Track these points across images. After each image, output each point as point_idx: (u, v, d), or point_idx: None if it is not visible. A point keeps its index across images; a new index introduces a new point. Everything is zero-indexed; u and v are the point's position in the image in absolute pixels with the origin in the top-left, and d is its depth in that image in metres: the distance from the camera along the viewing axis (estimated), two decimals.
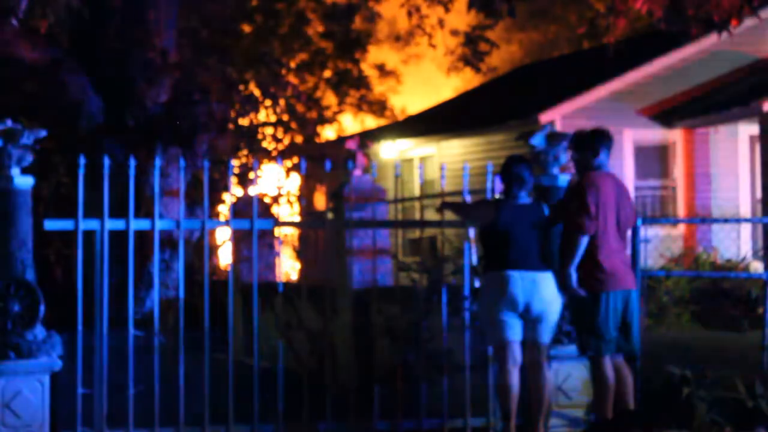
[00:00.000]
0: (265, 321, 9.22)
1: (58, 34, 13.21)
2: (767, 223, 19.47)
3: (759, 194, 20.17)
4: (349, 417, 9.10)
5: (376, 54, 22.60)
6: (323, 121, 20.69)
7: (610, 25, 13.08)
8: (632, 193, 9.48)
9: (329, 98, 21.34)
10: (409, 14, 16.56)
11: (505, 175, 9.25)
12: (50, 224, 8.86)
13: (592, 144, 9.30)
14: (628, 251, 9.44)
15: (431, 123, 25.63)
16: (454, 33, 19.98)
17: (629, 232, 9.48)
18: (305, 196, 15.87)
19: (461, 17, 18.73)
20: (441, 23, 19.45)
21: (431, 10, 16.48)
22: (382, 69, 23.46)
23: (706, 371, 10.10)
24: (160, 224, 9.11)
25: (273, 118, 15.70)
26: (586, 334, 9.17)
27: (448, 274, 10.14)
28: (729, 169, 20.98)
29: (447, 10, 16.53)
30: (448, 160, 20.73)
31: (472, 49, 19.65)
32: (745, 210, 20.58)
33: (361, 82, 22.03)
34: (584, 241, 9.04)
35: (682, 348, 12.07)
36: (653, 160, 20.55)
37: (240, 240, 11.44)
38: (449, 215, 9.90)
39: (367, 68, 22.34)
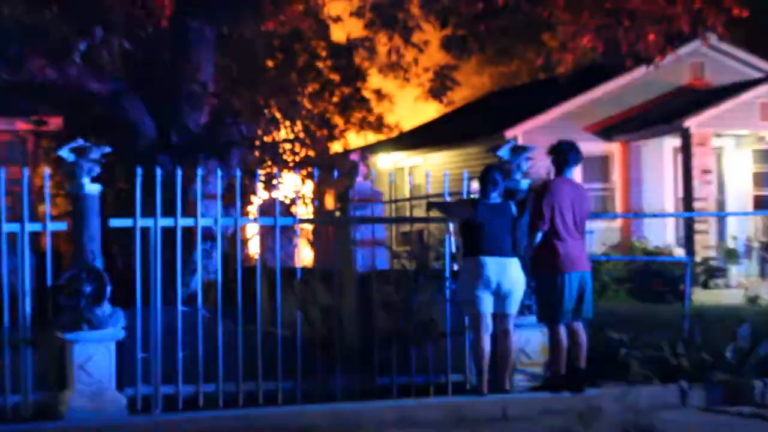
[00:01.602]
0: (286, 298, 9.19)
1: (118, 69, 13.19)
2: (687, 217, 19.50)
3: (680, 194, 20.21)
4: (354, 374, 9.09)
5: (376, 80, 22.55)
6: (332, 138, 20.63)
7: (561, 59, 13.09)
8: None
9: (336, 119, 21.27)
10: (389, 53, 16.53)
11: (482, 179, 9.30)
12: (114, 222, 8.84)
13: (565, 156, 9.38)
14: (585, 241, 9.47)
15: (418, 139, 25.62)
16: (426, 70, 19.96)
17: (586, 225, 9.52)
18: (318, 199, 15.78)
19: (434, 55, 18.73)
20: (416, 61, 19.44)
21: (407, 51, 16.49)
22: (379, 93, 23.39)
23: (638, 336, 10.16)
24: (201, 222, 9.09)
25: (291, 136, 15.69)
26: (545, 306, 9.22)
27: (432, 260, 10.15)
28: (657, 174, 21.00)
29: (420, 51, 16.50)
30: (432, 169, 20.68)
31: (439, 84, 19.66)
32: (670, 207, 20.61)
33: (363, 106, 21.99)
34: (539, 235, 9.14)
35: (620, 317, 12.08)
36: (596, 167, 20.57)
37: (266, 234, 11.46)
38: (434, 213, 9.90)
39: (367, 93, 22.30)
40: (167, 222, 8.82)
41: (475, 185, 9.56)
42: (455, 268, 9.57)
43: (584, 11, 11.73)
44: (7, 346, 8.30)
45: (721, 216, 19.95)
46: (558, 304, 9.10)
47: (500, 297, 9.02)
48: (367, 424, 8.38)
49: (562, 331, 9.13)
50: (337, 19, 18.67)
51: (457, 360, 9.36)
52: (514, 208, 9.25)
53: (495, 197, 9.19)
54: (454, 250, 9.65)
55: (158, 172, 8.77)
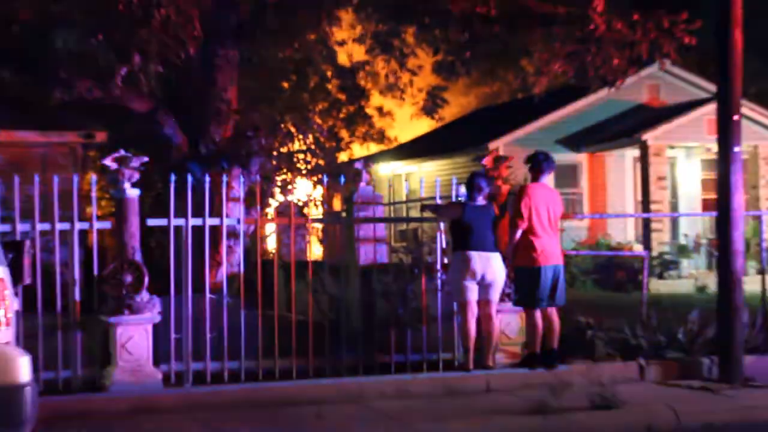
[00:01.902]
0: (300, 288, 9.19)
1: (154, 90, 13.20)
2: (644, 218, 19.51)
3: (639, 198, 20.21)
4: (358, 353, 9.08)
5: (377, 99, 22.53)
6: (339, 149, 20.59)
7: (537, 81, 13.08)
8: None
9: (343, 133, 21.26)
10: (386, 77, 16.55)
11: (468, 185, 9.30)
12: (151, 222, 8.84)
13: (540, 164, 9.39)
14: (558, 239, 9.48)
15: (413, 149, 25.58)
16: (420, 90, 19.97)
17: (558, 224, 9.52)
18: (326, 201, 15.79)
19: (427, 78, 18.75)
20: (411, 83, 19.46)
21: (403, 74, 16.52)
22: (380, 110, 23.37)
23: (602, 320, 10.14)
24: (226, 221, 9.08)
25: (304, 147, 15.67)
26: (523, 294, 9.22)
27: (426, 254, 10.15)
28: (619, 180, 20.99)
29: (415, 74, 16.52)
30: (425, 176, 20.67)
31: (431, 103, 19.69)
32: (630, 209, 20.61)
33: (366, 121, 21.97)
34: (519, 233, 9.14)
35: (587, 304, 12.06)
36: (567, 174, 20.54)
37: (282, 232, 11.46)
38: (427, 214, 9.87)
39: (370, 110, 22.28)
40: (197, 221, 8.80)
41: (463, 190, 9.56)
42: (445, 261, 9.57)
43: (556, 41, 11.75)
44: (59, 329, 8.30)
45: (674, 216, 19.95)
46: (534, 292, 9.10)
47: (484, 286, 9.02)
48: (369, 395, 8.39)
49: (538, 315, 9.14)
50: (342, 43, 18.68)
51: (447, 340, 9.33)
52: (496, 210, 9.26)
53: (480, 200, 9.20)
54: (444, 245, 9.65)
55: (189, 178, 8.74)
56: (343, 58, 19.74)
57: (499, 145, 20.05)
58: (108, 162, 8.53)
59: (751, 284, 10.13)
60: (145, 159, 8.57)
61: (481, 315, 9.04)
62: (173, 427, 7.41)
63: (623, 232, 20.25)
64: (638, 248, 19.21)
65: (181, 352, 8.57)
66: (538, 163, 9.37)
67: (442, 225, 9.69)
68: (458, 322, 9.22)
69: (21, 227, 8.26)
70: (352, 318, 9.28)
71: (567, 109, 20.87)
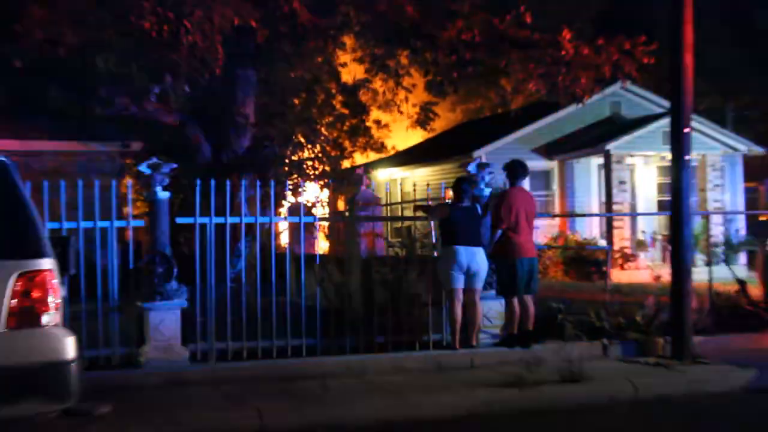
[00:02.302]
0: (309, 277, 9.18)
1: (182, 106, 13.19)
2: (607, 216, 19.51)
3: (603, 199, 20.22)
4: (360, 334, 9.09)
5: (376, 113, 22.47)
6: (342, 157, 20.51)
7: (514, 98, 13.13)
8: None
9: (346, 143, 21.20)
10: (384, 93, 16.51)
11: (455, 188, 9.33)
12: (179, 220, 8.85)
13: (516, 171, 9.41)
14: (533, 235, 9.51)
15: (407, 157, 25.59)
16: (414, 105, 19.93)
17: (533, 223, 9.55)
18: (332, 202, 15.85)
19: (420, 95, 18.70)
20: (406, 99, 19.42)
21: (398, 91, 16.50)
22: (378, 123, 23.32)
23: (571, 305, 10.17)
24: (245, 220, 9.09)
25: (312, 155, 15.66)
26: (503, 283, 9.24)
27: (418, 249, 10.17)
28: (585, 184, 20.97)
29: (409, 92, 16.51)
30: (417, 180, 20.72)
31: (423, 117, 19.65)
32: (595, 209, 20.59)
33: (366, 132, 21.91)
34: (500, 231, 9.16)
35: (558, 292, 12.11)
36: (540, 179, 20.54)
37: (293, 229, 11.46)
38: (420, 213, 9.91)
39: (369, 123, 22.23)
40: (219, 220, 8.81)
41: (450, 193, 9.57)
42: (435, 254, 9.58)
43: (531, 64, 11.77)
44: (100, 313, 8.32)
45: (633, 216, 19.96)
46: (513, 281, 9.13)
47: (469, 276, 9.04)
48: (369, 370, 8.40)
49: (516, 302, 9.16)
50: (344, 65, 18.65)
51: (437, 324, 9.35)
52: (479, 210, 9.28)
53: (466, 202, 9.22)
54: (434, 241, 9.65)
55: (212, 182, 8.76)
56: (346, 77, 19.70)
57: (482, 153, 20.00)
58: (142, 168, 8.56)
59: (700, 275, 10.13)
60: (174, 165, 8.61)
61: (467, 301, 9.06)
62: (200, 397, 7.42)
63: (589, 229, 20.26)
64: (602, 243, 19.23)
65: (206, 333, 8.59)
66: (515, 170, 9.42)
67: (432, 223, 9.71)
68: (446, 308, 9.23)
69: (66, 225, 8.28)
70: (354, 304, 9.30)
71: (540, 123, 20.85)
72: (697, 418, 7.23)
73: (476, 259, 9.03)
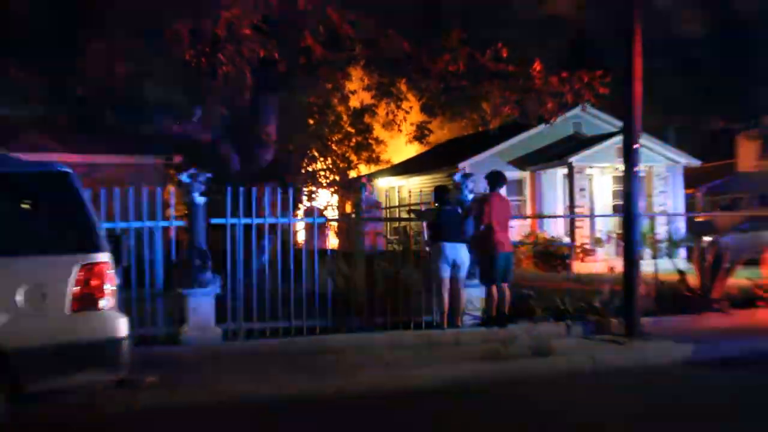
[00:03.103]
0: (321, 269, 9.19)
1: (217, 125, 13.19)
2: (570, 218, 19.51)
3: (567, 203, 20.22)
4: (363, 316, 9.10)
5: (378, 131, 22.45)
6: (349, 168, 20.52)
7: (492, 119, 13.16)
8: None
9: (353, 156, 21.17)
10: (387, 114, 16.53)
11: (437, 195, 9.34)
12: (214, 221, 8.80)
13: (496, 180, 9.42)
14: (509, 233, 9.52)
15: (403, 168, 25.60)
16: (411, 124, 19.93)
17: (509, 223, 9.55)
18: (340, 206, 15.82)
19: (416, 115, 18.66)
20: (404, 119, 19.40)
21: (398, 112, 16.53)
22: (376, 140, 23.30)
23: (540, 292, 10.17)
24: (268, 220, 9.10)
25: (324, 167, 15.71)
26: (484, 274, 9.24)
27: (413, 245, 10.16)
28: (552, 192, 20.97)
29: (407, 112, 16.51)
30: (412, 188, 20.74)
31: (419, 133, 19.66)
32: (560, 212, 20.57)
33: (369, 148, 21.89)
34: (482, 228, 9.16)
35: (529, 281, 12.11)
36: (515, 187, 20.50)
37: (308, 228, 11.45)
38: (413, 216, 9.93)
39: (371, 141, 22.21)
40: (247, 221, 8.83)
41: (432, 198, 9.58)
42: (427, 250, 9.58)
43: (507, 91, 11.84)
44: (147, 298, 8.32)
45: (592, 217, 19.95)
46: (492, 272, 9.13)
47: (455, 268, 9.05)
48: (370, 346, 8.41)
49: (494, 289, 9.16)
50: (353, 92, 18.64)
51: (428, 307, 9.35)
52: (461, 212, 9.29)
53: (450, 205, 9.23)
54: (426, 238, 9.66)
55: (241, 190, 8.77)
56: (354, 103, 19.70)
57: (466, 165, 20.03)
58: (183, 177, 8.56)
59: (647, 266, 10.14)
60: (209, 175, 8.60)
61: (452, 289, 9.07)
62: (230, 369, 7.42)
63: (555, 229, 20.25)
64: (566, 240, 19.23)
65: (235, 315, 8.59)
66: (495, 179, 9.43)
67: (424, 224, 9.70)
68: (436, 295, 9.23)
69: (120, 225, 8.29)
70: (358, 291, 9.30)
71: (514, 140, 20.84)
72: (645, 383, 7.25)
73: (460, 253, 9.04)
